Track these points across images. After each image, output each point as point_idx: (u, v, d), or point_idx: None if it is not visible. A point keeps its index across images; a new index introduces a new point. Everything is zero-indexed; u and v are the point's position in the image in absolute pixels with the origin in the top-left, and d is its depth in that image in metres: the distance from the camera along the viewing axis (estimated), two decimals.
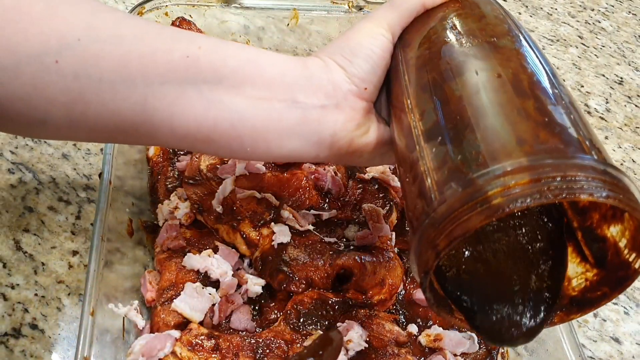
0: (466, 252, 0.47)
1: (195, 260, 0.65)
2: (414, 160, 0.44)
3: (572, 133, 0.39)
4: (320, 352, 0.47)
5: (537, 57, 0.47)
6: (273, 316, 0.65)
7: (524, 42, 0.48)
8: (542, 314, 0.45)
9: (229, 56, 0.49)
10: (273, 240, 0.65)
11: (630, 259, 0.41)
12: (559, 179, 0.36)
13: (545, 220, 0.48)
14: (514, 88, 0.42)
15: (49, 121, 0.47)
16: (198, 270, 0.65)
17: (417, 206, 0.42)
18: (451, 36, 0.49)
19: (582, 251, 0.46)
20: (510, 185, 0.36)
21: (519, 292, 0.46)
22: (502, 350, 0.68)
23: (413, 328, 0.65)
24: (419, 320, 0.67)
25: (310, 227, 0.68)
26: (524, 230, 0.48)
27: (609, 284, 0.44)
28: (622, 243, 0.42)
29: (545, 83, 0.44)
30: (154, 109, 0.48)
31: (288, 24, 0.94)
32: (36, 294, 0.68)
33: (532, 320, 0.45)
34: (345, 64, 0.51)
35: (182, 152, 0.78)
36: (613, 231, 0.43)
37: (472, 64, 0.45)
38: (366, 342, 0.62)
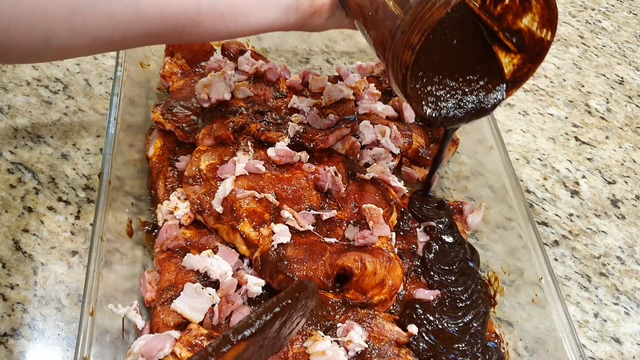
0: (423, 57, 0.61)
1: (194, 261, 0.65)
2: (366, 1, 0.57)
3: None
4: (297, 295, 0.48)
5: None
6: None
7: None
8: (493, 93, 0.66)
9: None
10: (273, 241, 0.65)
11: (543, 35, 0.60)
12: None
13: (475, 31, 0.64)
14: None
15: (52, 38, 0.52)
16: (198, 271, 0.65)
17: (386, 28, 0.56)
18: None
19: (506, 47, 0.64)
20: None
21: (470, 79, 0.64)
22: (503, 351, 0.68)
23: (413, 328, 0.65)
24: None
25: (310, 227, 0.68)
26: (462, 36, 0.64)
27: (530, 59, 0.64)
28: (534, 26, 0.60)
29: None
30: (144, 6, 0.55)
31: None
32: (35, 294, 0.68)
33: (489, 96, 0.65)
34: None
35: (182, 153, 0.78)
36: (525, 22, 0.61)
37: None
38: (366, 342, 0.62)
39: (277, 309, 0.45)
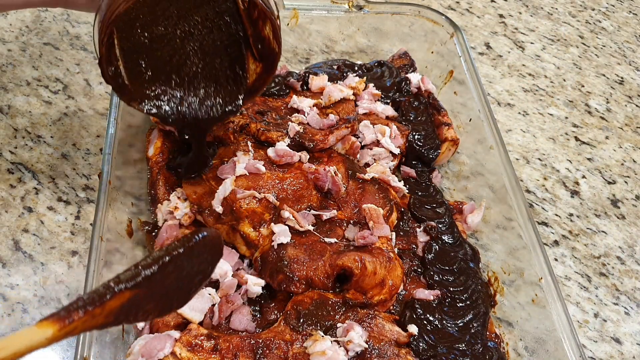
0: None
1: None
2: None
3: None
4: (189, 244, 0.43)
5: None
6: (273, 316, 0.65)
7: None
8: (232, 99, 0.66)
9: None
10: (273, 241, 0.65)
11: (273, 45, 0.63)
12: None
13: (228, 32, 0.63)
14: None
15: None
16: None
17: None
18: None
19: (254, 54, 0.64)
20: None
21: (209, 80, 0.65)
22: (503, 351, 0.68)
23: (413, 328, 0.65)
24: None
25: (310, 227, 0.68)
26: (219, 30, 0.63)
27: (265, 69, 0.65)
28: (270, 35, 0.62)
29: None
30: None
31: (288, 24, 0.94)
32: (35, 294, 0.68)
33: (227, 101, 0.65)
34: None
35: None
36: (267, 29, 0.62)
37: None
38: (366, 342, 0.62)
39: (167, 259, 0.41)
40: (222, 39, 0.63)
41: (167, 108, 0.64)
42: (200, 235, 0.43)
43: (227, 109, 0.66)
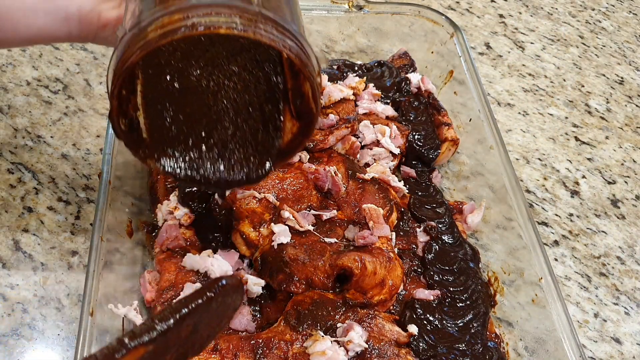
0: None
1: (194, 261, 0.65)
2: (126, 6, 0.50)
3: None
4: (210, 294, 0.41)
5: None
6: (273, 317, 0.65)
7: None
8: (263, 160, 0.54)
9: None
10: (273, 241, 0.65)
11: (312, 105, 0.51)
12: (206, 15, 0.42)
13: (268, 83, 0.53)
14: None
15: None
16: (198, 271, 0.65)
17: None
18: None
19: (291, 110, 0.54)
20: (165, 21, 0.43)
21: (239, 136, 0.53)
22: (503, 351, 0.68)
23: (413, 328, 0.65)
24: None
25: (310, 227, 0.68)
26: (248, 87, 0.52)
27: (302, 132, 0.53)
28: (309, 92, 0.51)
29: None
30: None
31: None
32: (35, 294, 0.68)
33: (257, 163, 0.54)
34: None
35: None
36: (307, 85, 0.50)
37: None
38: (366, 342, 0.62)
39: (185, 311, 0.39)
40: (259, 91, 0.53)
41: (188, 169, 0.53)
42: (220, 284, 0.41)
43: (254, 175, 0.55)
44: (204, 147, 0.53)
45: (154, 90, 0.50)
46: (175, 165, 0.53)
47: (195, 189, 0.70)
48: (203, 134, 0.52)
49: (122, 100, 0.49)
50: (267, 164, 0.54)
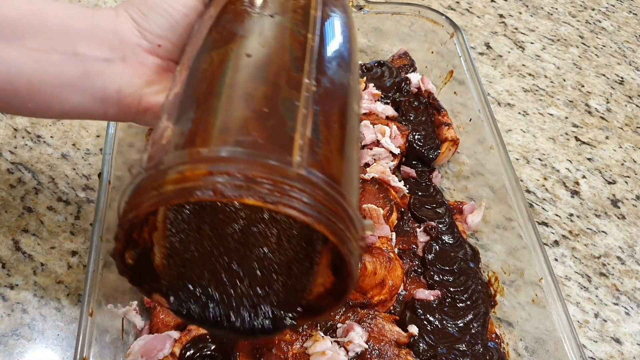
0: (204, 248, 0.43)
1: None
2: (155, 128, 0.41)
3: (289, 131, 0.34)
4: None
5: (316, 43, 0.41)
6: None
7: (312, 23, 0.42)
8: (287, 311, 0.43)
9: (10, 6, 0.46)
10: None
11: (349, 270, 0.38)
12: (236, 177, 0.32)
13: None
14: (256, 71, 0.38)
15: None
16: None
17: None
18: (240, 2, 0.44)
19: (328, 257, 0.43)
20: (186, 173, 0.33)
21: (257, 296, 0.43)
22: (504, 351, 0.68)
23: (413, 328, 0.65)
24: None
25: None
26: (275, 231, 0.42)
27: (334, 294, 0.42)
28: (347, 268, 0.38)
29: (301, 71, 0.38)
30: None
31: None
32: (35, 295, 0.68)
33: (264, 322, 0.43)
34: (139, 17, 0.48)
35: None
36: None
37: (236, 37, 0.41)
38: (366, 342, 0.62)
39: None
40: (292, 236, 0.43)
41: (199, 310, 0.44)
42: None
43: (272, 328, 0.44)
44: (220, 290, 0.44)
45: (172, 224, 0.43)
46: (185, 305, 0.44)
47: None
48: (222, 275, 0.44)
49: (132, 230, 0.40)
50: (289, 320, 0.44)
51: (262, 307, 0.44)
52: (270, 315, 0.44)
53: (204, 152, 0.34)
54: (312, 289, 0.44)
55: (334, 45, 0.43)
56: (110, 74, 0.48)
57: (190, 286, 0.44)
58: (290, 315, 0.44)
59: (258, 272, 0.43)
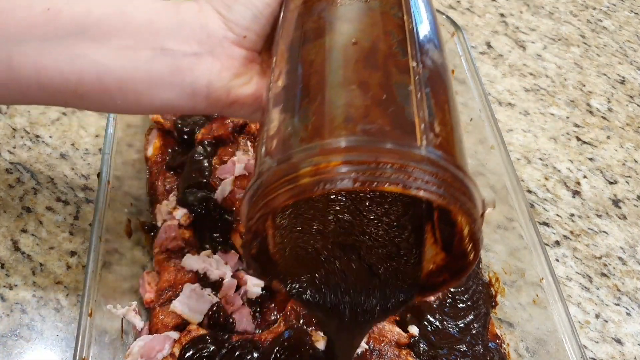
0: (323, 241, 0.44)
1: (194, 261, 0.65)
2: (262, 123, 0.42)
3: (408, 115, 0.36)
4: None
5: (413, 24, 0.41)
6: (273, 317, 0.65)
7: (404, 3, 0.43)
8: (398, 296, 0.45)
9: (93, 6, 0.47)
10: None
11: (468, 249, 0.40)
12: (371, 165, 0.33)
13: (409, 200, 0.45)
14: (366, 58, 0.38)
15: None
16: (197, 271, 0.65)
17: (252, 175, 0.42)
18: None
19: (435, 233, 0.45)
20: (321, 165, 0.34)
21: (371, 279, 0.45)
22: (504, 352, 0.68)
23: (413, 329, 0.65)
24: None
25: None
26: (382, 210, 0.45)
27: (450, 271, 0.43)
28: (466, 231, 0.40)
29: (406, 55, 0.39)
30: (20, 66, 0.47)
31: None
32: (34, 295, 0.68)
33: (386, 303, 0.45)
34: (223, 9, 0.48)
35: (180, 153, 0.77)
36: (460, 219, 0.40)
37: (335, 26, 0.41)
38: (366, 342, 0.62)
39: None
40: (397, 216, 0.45)
41: (316, 296, 0.45)
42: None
43: (385, 309, 0.45)
44: (333, 277, 0.45)
45: (287, 217, 0.44)
46: (303, 291, 0.45)
47: (198, 191, 0.70)
48: (333, 263, 0.45)
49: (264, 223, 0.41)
50: (402, 297, 0.45)
51: (376, 291, 0.45)
52: (384, 298, 0.45)
53: (334, 143, 0.34)
54: (422, 268, 0.45)
55: (425, 24, 0.43)
56: (199, 68, 0.48)
57: (303, 274, 0.45)
58: (404, 296, 0.45)
59: (366, 256, 0.45)
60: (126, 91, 0.48)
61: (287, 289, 0.45)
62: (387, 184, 0.33)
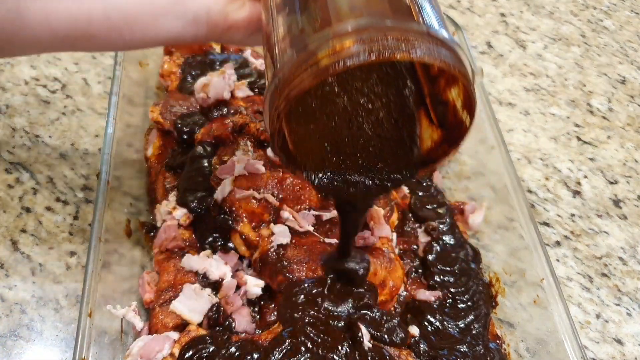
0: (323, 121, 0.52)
1: (193, 261, 0.65)
2: (269, 32, 0.48)
3: (404, 2, 0.44)
4: None
5: None
6: (272, 317, 0.64)
7: None
8: (402, 167, 0.53)
9: None
10: (272, 241, 0.65)
11: (464, 118, 0.49)
12: (381, 40, 0.40)
13: (401, 90, 0.53)
14: None
15: None
16: (197, 272, 0.65)
17: (267, 76, 0.48)
18: None
19: (430, 115, 0.52)
20: (337, 47, 0.40)
21: (377, 144, 0.53)
22: (505, 352, 0.68)
23: (414, 329, 0.65)
24: None
25: (310, 228, 0.68)
26: (384, 91, 0.53)
27: (448, 141, 0.51)
28: (459, 103, 0.48)
29: None
30: (29, 13, 0.50)
31: None
32: (34, 295, 0.68)
33: (396, 170, 0.53)
34: None
35: (180, 153, 0.77)
36: (453, 93, 0.49)
37: None
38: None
39: None
40: (390, 100, 0.53)
41: (331, 180, 0.53)
42: None
43: (391, 183, 0.54)
44: (343, 159, 0.53)
45: (300, 109, 0.51)
46: (321, 177, 0.53)
47: (198, 191, 0.70)
48: (341, 145, 0.53)
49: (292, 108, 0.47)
50: (406, 173, 0.54)
51: (381, 169, 0.53)
52: (389, 174, 0.53)
53: (345, 27, 0.41)
54: (422, 146, 0.53)
55: None
56: None
57: (318, 162, 0.52)
58: (408, 172, 0.53)
59: (371, 136, 0.52)
60: (133, 25, 0.53)
61: (307, 177, 0.52)
62: (398, 53, 0.40)
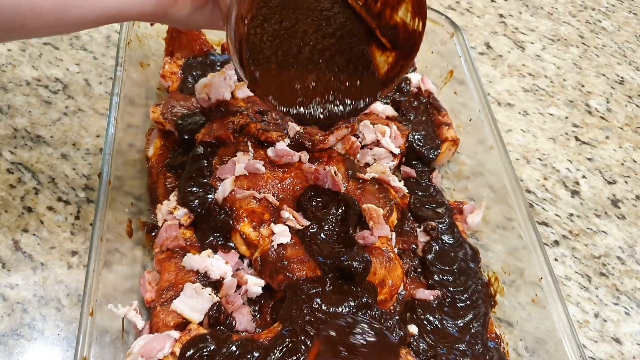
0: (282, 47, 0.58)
1: (194, 261, 0.65)
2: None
3: None
4: None
5: None
6: (272, 317, 0.65)
7: None
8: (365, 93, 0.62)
9: None
10: (273, 241, 0.65)
11: (415, 26, 0.58)
12: None
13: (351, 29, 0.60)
14: None
15: None
16: (197, 271, 0.65)
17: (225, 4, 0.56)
18: None
19: (383, 45, 0.61)
20: None
21: (340, 77, 0.61)
22: (504, 351, 0.68)
23: (413, 328, 0.65)
24: None
25: None
26: (335, 32, 0.60)
27: (404, 56, 0.61)
28: (408, 17, 0.58)
29: None
30: None
31: None
32: (35, 294, 0.68)
33: (360, 97, 0.62)
34: None
35: (180, 153, 0.77)
36: (400, 14, 0.58)
37: None
38: None
39: None
40: (341, 34, 0.60)
41: (294, 104, 0.61)
42: None
43: (358, 106, 0.63)
44: (306, 84, 0.61)
45: (257, 36, 0.57)
46: (284, 102, 0.60)
47: (198, 191, 0.70)
48: (303, 70, 0.60)
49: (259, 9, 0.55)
50: (367, 99, 0.63)
51: (343, 94, 0.62)
52: (351, 98, 0.62)
53: None
54: (380, 72, 0.62)
55: None
56: None
57: (286, 92, 0.60)
58: (370, 97, 0.63)
59: (329, 65, 0.60)
60: (81, 0, 0.54)
61: (272, 104, 0.59)
62: None
